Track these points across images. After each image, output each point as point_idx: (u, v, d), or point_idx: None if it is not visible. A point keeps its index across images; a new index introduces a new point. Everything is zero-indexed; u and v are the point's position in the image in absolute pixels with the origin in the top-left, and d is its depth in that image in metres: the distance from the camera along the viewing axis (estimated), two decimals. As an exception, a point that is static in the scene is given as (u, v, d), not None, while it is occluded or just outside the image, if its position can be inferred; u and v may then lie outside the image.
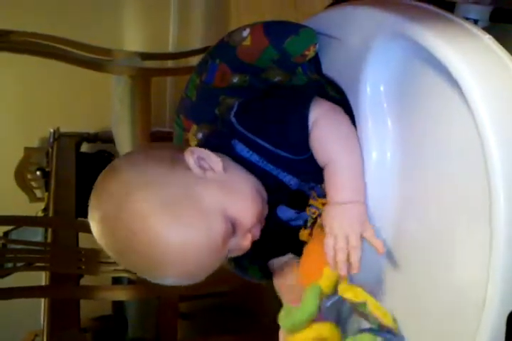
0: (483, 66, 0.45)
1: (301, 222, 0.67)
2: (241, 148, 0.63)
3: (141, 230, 0.56)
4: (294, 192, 0.65)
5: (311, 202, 0.65)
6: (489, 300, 0.39)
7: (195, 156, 0.61)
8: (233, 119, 0.63)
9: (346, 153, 0.58)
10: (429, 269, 0.50)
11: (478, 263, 0.42)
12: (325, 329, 0.56)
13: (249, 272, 0.73)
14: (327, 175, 0.59)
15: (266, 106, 0.64)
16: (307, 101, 0.61)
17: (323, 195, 0.62)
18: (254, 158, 0.63)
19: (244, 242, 0.60)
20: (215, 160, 0.61)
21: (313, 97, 0.62)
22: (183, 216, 0.56)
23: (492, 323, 0.39)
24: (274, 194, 0.64)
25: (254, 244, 0.62)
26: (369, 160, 0.57)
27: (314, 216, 0.64)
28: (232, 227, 0.59)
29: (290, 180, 0.64)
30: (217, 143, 0.64)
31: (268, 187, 0.64)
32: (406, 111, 0.55)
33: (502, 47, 0.47)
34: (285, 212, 0.67)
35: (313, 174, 0.62)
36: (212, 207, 0.58)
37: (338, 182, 0.58)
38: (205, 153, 0.61)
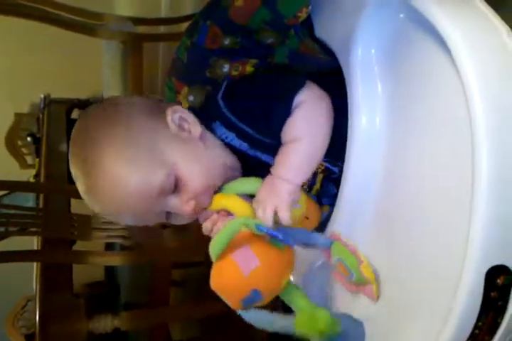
0: (473, 29, 0.45)
1: None
2: (221, 132, 0.64)
3: (94, 161, 0.60)
4: None
5: None
6: (468, 257, 0.40)
7: (177, 114, 0.63)
8: (220, 102, 0.63)
9: (311, 139, 0.60)
10: (411, 233, 0.51)
11: (459, 223, 0.43)
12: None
13: None
14: (283, 150, 0.61)
15: (254, 93, 0.64)
16: (294, 90, 0.61)
17: None
18: (234, 142, 0.64)
19: (185, 207, 0.61)
20: (195, 125, 0.63)
21: (301, 86, 0.61)
22: (133, 155, 0.59)
23: (471, 280, 0.40)
24: (255, 172, 0.64)
25: None
26: (359, 124, 0.58)
27: None
28: (175, 186, 0.60)
29: (271, 160, 0.64)
30: (202, 119, 0.65)
31: (248, 166, 0.65)
32: (396, 75, 0.55)
33: (493, 11, 0.47)
34: None
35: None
36: (165, 159, 0.60)
37: (288, 161, 0.60)
38: (189, 115, 0.63)
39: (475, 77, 0.42)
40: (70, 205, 1.66)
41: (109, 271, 2.24)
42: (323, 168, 0.64)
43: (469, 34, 0.44)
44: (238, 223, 0.54)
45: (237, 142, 0.64)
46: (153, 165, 0.59)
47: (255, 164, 0.65)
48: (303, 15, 0.61)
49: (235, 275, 0.53)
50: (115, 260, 1.51)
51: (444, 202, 0.48)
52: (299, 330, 0.53)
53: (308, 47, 0.65)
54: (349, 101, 0.58)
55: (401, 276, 0.52)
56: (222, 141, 0.65)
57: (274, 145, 0.62)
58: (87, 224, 1.54)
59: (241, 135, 0.63)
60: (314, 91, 0.61)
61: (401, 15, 0.53)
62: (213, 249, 0.54)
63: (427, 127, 0.51)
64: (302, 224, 0.62)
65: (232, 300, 0.55)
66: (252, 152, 0.65)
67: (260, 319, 0.54)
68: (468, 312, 0.41)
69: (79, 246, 1.61)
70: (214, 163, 0.62)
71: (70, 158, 0.64)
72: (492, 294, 0.40)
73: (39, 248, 1.54)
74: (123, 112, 0.62)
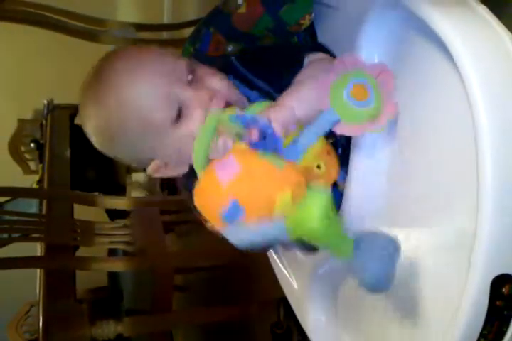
0: (475, 35, 0.45)
1: None
2: (236, 84, 0.62)
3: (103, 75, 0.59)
4: None
5: None
6: (474, 266, 0.40)
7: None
8: (233, 58, 0.63)
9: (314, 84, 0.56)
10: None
11: (464, 231, 0.43)
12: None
13: None
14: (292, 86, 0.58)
15: (267, 51, 0.64)
16: (305, 50, 0.61)
17: None
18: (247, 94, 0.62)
19: (200, 93, 0.58)
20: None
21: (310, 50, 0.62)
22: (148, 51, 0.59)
23: (477, 288, 0.40)
24: None
25: None
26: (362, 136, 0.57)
27: None
28: (193, 76, 0.59)
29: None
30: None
31: None
32: (399, 81, 0.55)
33: (495, 18, 0.47)
34: None
35: None
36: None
37: (290, 91, 0.57)
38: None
39: (479, 85, 0.42)
40: (72, 211, 1.67)
41: (112, 276, 2.24)
42: None
43: (472, 42, 0.44)
44: (211, 118, 0.51)
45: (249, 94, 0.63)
46: (171, 55, 0.59)
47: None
48: (306, 22, 0.61)
49: (212, 183, 0.48)
50: (118, 266, 1.51)
51: (449, 211, 0.47)
52: (291, 228, 0.46)
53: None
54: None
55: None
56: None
57: None
58: (89, 229, 1.55)
59: (252, 88, 0.62)
60: (320, 53, 0.62)
61: (404, 22, 0.53)
62: (196, 157, 0.50)
63: (431, 133, 0.51)
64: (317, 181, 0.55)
65: (212, 215, 0.49)
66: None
67: (247, 232, 0.47)
68: (473, 321, 0.41)
69: (82, 251, 1.62)
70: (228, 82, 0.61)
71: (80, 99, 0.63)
72: (497, 303, 0.40)
73: (42, 254, 1.54)
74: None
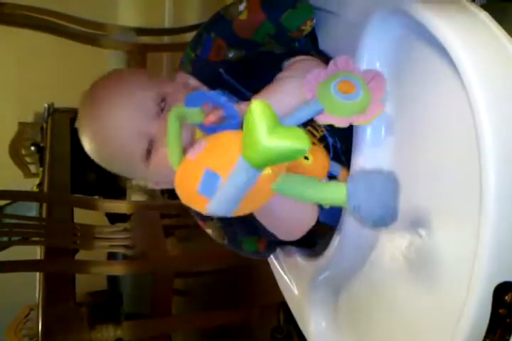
0: (477, 41, 0.45)
1: None
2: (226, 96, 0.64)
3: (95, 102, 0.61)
4: None
5: None
6: (476, 273, 0.40)
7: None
8: (221, 70, 0.64)
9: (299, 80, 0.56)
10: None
11: (466, 236, 0.42)
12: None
13: (243, 246, 0.73)
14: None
15: (254, 61, 0.65)
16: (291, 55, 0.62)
17: None
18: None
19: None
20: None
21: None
22: (128, 79, 0.62)
23: (479, 296, 0.40)
24: None
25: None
26: (364, 136, 0.57)
27: None
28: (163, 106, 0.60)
29: None
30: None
31: None
32: (401, 87, 0.55)
33: (497, 24, 0.47)
34: None
35: None
36: (157, 84, 0.61)
37: (268, 87, 0.58)
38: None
39: (480, 90, 0.42)
40: (73, 215, 1.67)
41: (112, 280, 2.24)
42: None
43: (474, 47, 0.44)
44: (171, 114, 0.51)
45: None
46: (145, 86, 0.61)
47: None
48: (307, 28, 0.61)
49: (185, 163, 0.47)
50: (117, 269, 1.51)
51: (452, 216, 0.47)
52: (251, 160, 0.43)
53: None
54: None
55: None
56: None
57: None
58: (89, 233, 1.55)
59: (243, 99, 0.62)
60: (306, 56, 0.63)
61: (405, 28, 0.53)
62: (171, 158, 0.49)
63: (432, 139, 0.51)
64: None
65: (192, 196, 0.46)
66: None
67: (224, 194, 0.44)
68: (476, 329, 0.41)
69: (81, 255, 1.61)
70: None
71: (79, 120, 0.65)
72: (500, 311, 0.40)
73: (42, 257, 1.54)
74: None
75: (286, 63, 0.62)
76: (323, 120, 0.51)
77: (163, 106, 0.60)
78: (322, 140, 0.62)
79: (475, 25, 0.47)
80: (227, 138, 0.46)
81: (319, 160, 0.56)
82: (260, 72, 0.63)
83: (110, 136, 0.60)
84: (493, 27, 0.47)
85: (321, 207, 0.63)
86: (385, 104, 0.53)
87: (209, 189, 0.45)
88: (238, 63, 0.65)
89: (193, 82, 0.64)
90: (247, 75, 0.64)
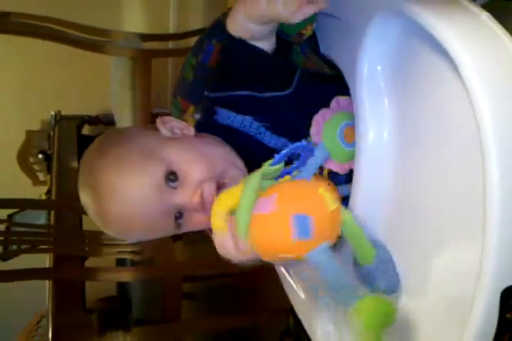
0: (479, 43, 0.44)
1: None
2: (223, 115, 0.65)
3: (97, 180, 0.62)
4: None
5: None
6: (483, 277, 0.39)
7: (168, 125, 0.65)
8: (206, 92, 0.65)
9: None
10: (422, 248, 0.51)
11: (473, 241, 0.42)
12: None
13: None
14: None
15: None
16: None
17: None
18: (238, 119, 0.64)
19: (194, 198, 0.60)
20: (188, 127, 0.65)
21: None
22: (127, 162, 0.60)
23: (486, 300, 0.39)
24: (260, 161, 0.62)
25: None
26: (366, 139, 0.57)
27: None
28: (177, 179, 0.60)
29: (276, 142, 0.64)
30: (200, 118, 0.67)
31: (253, 156, 0.63)
32: (403, 90, 0.55)
33: (499, 24, 0.47)
34: None
35: (298, 120, 0.63)
36: (159, 157, 0.61)
37: None
38: (179, 121, 0.66)
39: (483, 92, 0.41)
40: (81, 222, 1.67)
41: (121, 285, 2.24)
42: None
43: (476, 49, 0.44)
44: (254, 177, 0.50)
45: (239, 118, 0.65)
46: (146, 165, 0.60)
47: (258, 151, 0.65)
48: (308, 32, 0.61)
49: (259, 219, 0.48)
50: (126, 276, 1.51)
51: (456, 218, 0.47)
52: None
53: (314, 63, 0.65)
54: (356, 116, 0.58)
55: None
56: (225, 126, 0.65)
57: (275, 100, 0.63)
58: (97, 240, 1.55)
59: (241, 105, 0.64)
60: None
61: (406, 30, 0.53)
62: (239, 229, 0.49)
63: (435, 141, 0.51)
64: None
65: (289, 245, 0.48)
66: (252, 130, 0.65)
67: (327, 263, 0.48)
68: (484, 333, 0.41)
69: (90, 261, 1.62)
70: (213, 155, 0.63)
71: (79, 190, 0.66)
72: (508, 315, 0.40)
73: (51, 265, 1.54)
74: (119, 138, 0.65)
75: None
76: (331, 167, 0.59)
77: (174, 178, 0.61)
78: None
79: (476, 25, 0.47)
80: (296, 183, 0.50)
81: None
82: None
83: (136, 216, 0.60)
84: (494, 27, 0.47)
85: None
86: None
87: (305, 231, 0.47)
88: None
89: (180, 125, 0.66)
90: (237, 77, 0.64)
